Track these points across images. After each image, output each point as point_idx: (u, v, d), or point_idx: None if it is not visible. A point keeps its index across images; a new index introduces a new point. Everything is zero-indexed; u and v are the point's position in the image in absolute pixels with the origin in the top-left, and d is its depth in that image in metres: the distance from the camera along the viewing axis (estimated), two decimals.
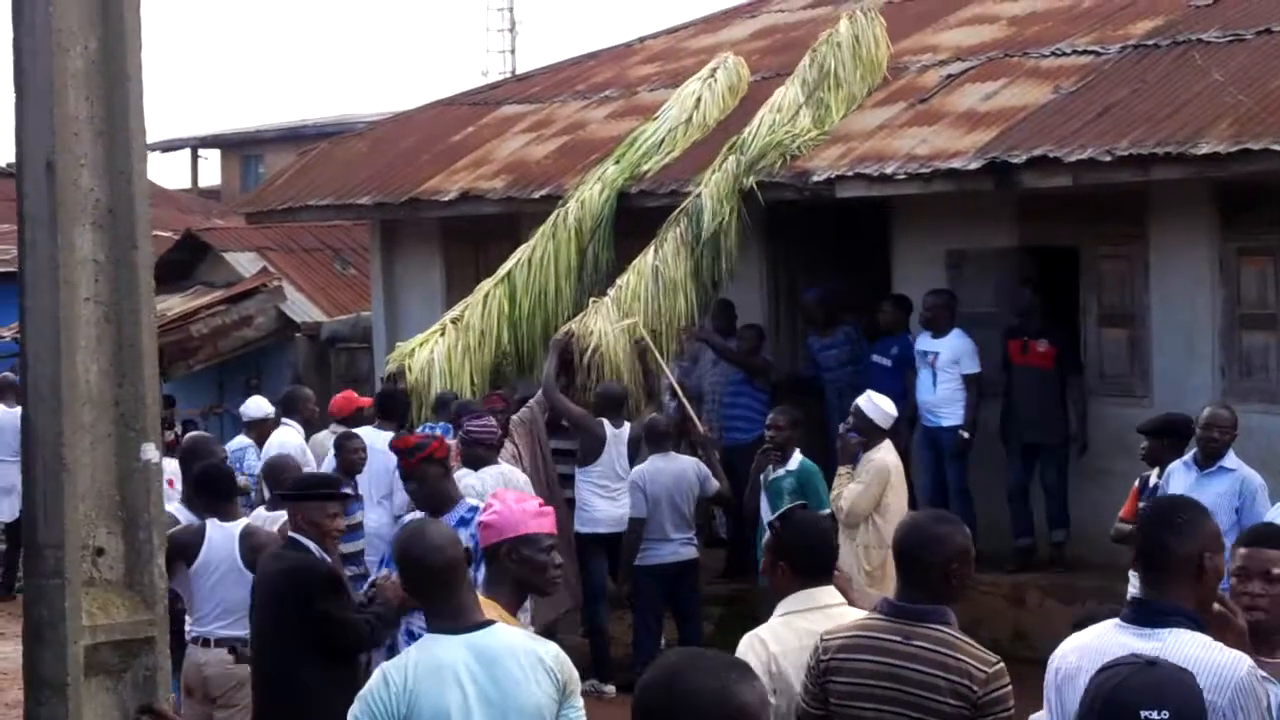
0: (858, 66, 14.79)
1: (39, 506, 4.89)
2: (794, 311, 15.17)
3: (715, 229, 13.65)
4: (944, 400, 13.15)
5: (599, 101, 17.46)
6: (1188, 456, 10.13)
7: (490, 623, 5.38)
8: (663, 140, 15.00)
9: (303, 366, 20.57)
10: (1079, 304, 13.37)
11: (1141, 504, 9.77)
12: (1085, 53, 14.01)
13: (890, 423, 11.06)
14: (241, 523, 9.17)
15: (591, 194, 14.50)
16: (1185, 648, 4.68)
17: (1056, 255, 13.54)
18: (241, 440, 13.89)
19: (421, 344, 13.76)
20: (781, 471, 11.02)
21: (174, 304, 21.24)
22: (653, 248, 13.66)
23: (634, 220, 14.31)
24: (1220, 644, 4.76)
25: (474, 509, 8.02)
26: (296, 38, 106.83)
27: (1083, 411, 13.03)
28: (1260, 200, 12.18)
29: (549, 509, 6.06)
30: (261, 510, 10.32)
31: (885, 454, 10.91)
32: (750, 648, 5.69)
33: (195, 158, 44.45)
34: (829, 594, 5.77)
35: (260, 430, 13.67)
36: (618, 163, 14.87)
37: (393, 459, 10.06)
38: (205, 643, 8.97)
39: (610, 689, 11.77)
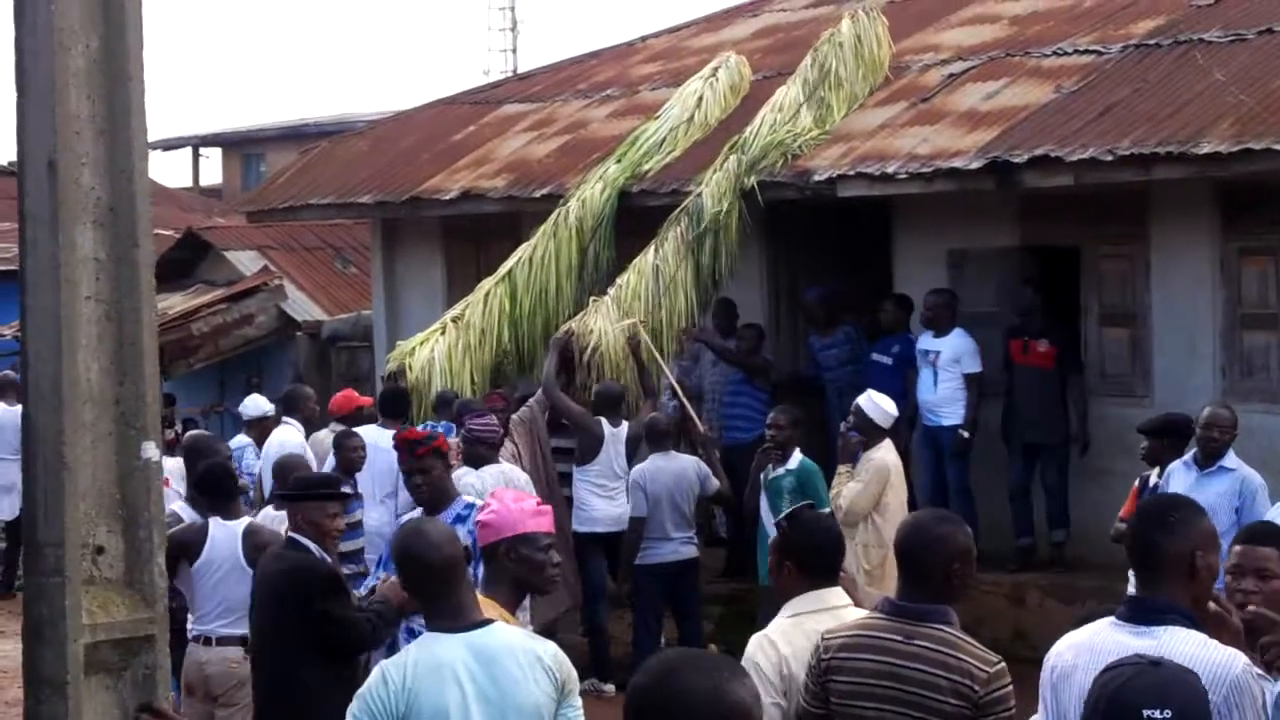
0: (859, 66, 14.80)
1: (39, 505, 4.88)
2: (794, 311, 15.18)
3: (716, 228, 13.66)
4: (945, 400, 13.15)
5: (600, 100, 17.46)
6: (1188, 456, 10.13)
7: (489, 622, 5.38)
8: (664, 139, 15.01)
9: (303, 365, 20.58)
10: (1080, 304, 13.37)
11: None
12: (1087, 52, 14.01)
13: (890, 422, 11.06)
14: (244, 521, 9.18)
15: (593, 193, 14.51)
16: (1180, 645, 4.69)
17: (1058, 255, 13.55)
18: (241, 439, 13.91)
19: (422, 343, 13.76)
20: (781, 471, 11.02)
21: (175, 302, 21.26)
22: (653, 247, 13.67)
23: (635, 219, 14.32)
24: (1215, 642, 4.77)
25: (470, 506, 8.04)
26: (298, 36, 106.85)
27: (1083, 411, 13.03)
28: (1261, 200, 12.19)
29: (547, 508, 6.06)
30: (269, 510, 10.33)
31: (885, 453, 10.91)
32: (760, 649, 5.68)
33: (196, 156, 44.48)
34: (837, 595, 5.77)
35: (260, 429, 13.68)
36: (619, 162, 14.88)
37: (394, 457, 10.06)
38: (207, 641, 8.98)
39: (610, 688, 11.78)
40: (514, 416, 12.26)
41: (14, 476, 11.75)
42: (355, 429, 12.41)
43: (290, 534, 8.06)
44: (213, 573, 8.98)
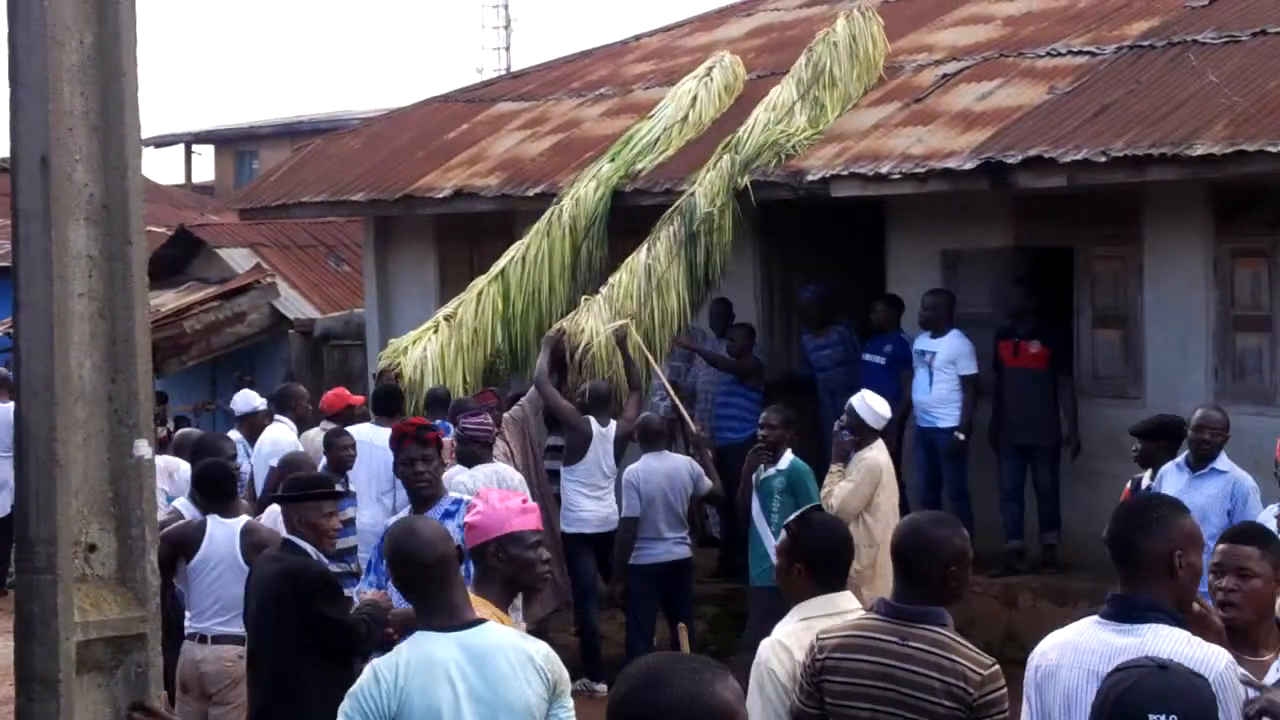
0: (854, 66, 14.79)
1: (31, 502, 4.87)
2: (788, 311, 15.18)
3: (709, 228, 13.65)
4: (940, 400, 13.14)
5: (594, 99, 17.45)
6: (1180, 458, 10.14)
7: (481, 621, 5.38)
8: (658, 139, 15.00)
9: (296, 363, 20.58)
10: (1073, 305, 13.37)
11: None
12: (1080, 53, 14.01)
13: (883, 423, 11.05)
14: (243, 520, 9.17)
15: (586, 192, 14.50)
16: (1164, 643, 4.71)
17: (1051, 256, 13.55)
18: (233, 435, 13.88)
19: (414, 341, 13.75)
20: (772, 471, 11.01)
21: (167, 300, 21.25)
22: (646, 246, 13.66)
23: (628, 218, 14.31)
24: (1199, 639, 4.79)
25: (458, 501, 8.05)
26: (292, 34, 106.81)
27: (1074, 413, 13.02)
28: (1255, 202, 12.19)
29: (533, 505, 6.06)
30: (274, 510, 10.31)
31: (877, 453, 10.91)
32: (774, 653, 5.67)
33: (189, 153, 44.45)
34: (847, 599, 5.77)
35: (251, 425, 13.65)
36: (612, 161, 14.87)
37: (390, 454, 10.04)
38: (202, 639, 8.98)
39: (602, 687, 11.77)
40: (506, 415, 12.25)
41: (6, 473, 11.74)
42: (347, 427, 12.39)
43: (286, 536, 8.05)
44: (209, 570, 8.98)
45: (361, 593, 7.97)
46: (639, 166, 14.75)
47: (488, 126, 17.67)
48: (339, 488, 9.15)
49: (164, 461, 11.42)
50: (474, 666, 5.24)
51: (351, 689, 5.30)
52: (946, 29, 15.97)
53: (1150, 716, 3.80)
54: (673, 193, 14.12)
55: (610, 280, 13.53)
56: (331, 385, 15.78)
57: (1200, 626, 5.01)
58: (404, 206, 16.88)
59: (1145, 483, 10.24)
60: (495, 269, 14.23)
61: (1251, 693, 5.05)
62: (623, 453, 12.49)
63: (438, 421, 12.24)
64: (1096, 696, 3.92)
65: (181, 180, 43.27)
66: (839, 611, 5.65)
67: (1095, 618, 4.95)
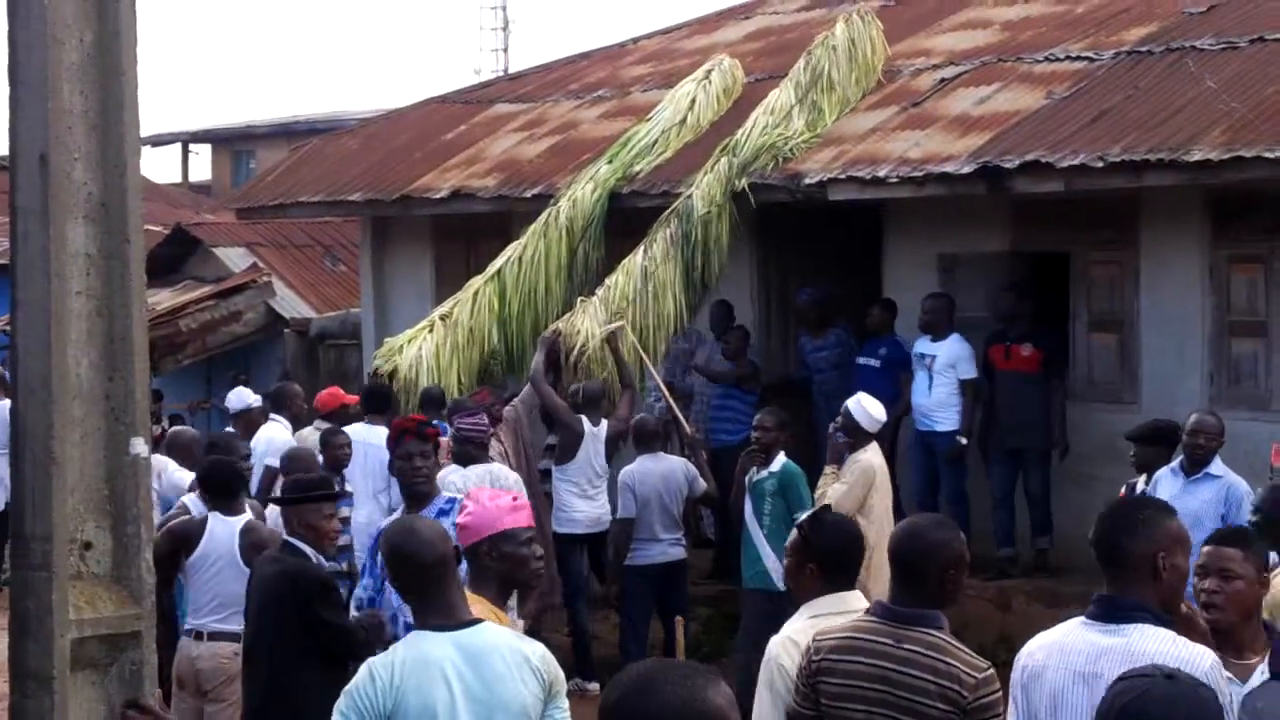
0: (852, 70, 14.80)
1: (27, 499, 4.88)
2: (784, 313, 15.18)
3: (706, 230, 13.66)
4: (939, 404, 13.12)
5: (592, 101, 17.45)
6: (1174, 463, 10.15)
7: (478, 621, 5.38)
8: (655, 141, 15.00)
9: (291, 362, 20.56)
10: (1069, 309, 13.38)
11: None
12: (1079, 58, 14.02)
13: (877, 427, 11.06)
14: (244, 518, 9.17)
15: (583, 193, 14.50)
16: (1149, 643, 4.73)
17: (1048, 260, 13.55)
18: (214, 432, 13.86)
19: (410, 340, 13.76)
20: (764, 474, 11.00)
21: (163, 298, 21.24)
22: (642, 248, 13.67)
23: (625, 220, 14.31)
24: (1185, 639, 4.81)
25: (451, 500, 8.04)
26: (289, 33, 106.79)
27: (1061, 416, 13.01)
28: (1252, 208, 12.20)
29: (525, 503, 6.07)
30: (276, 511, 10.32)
31: (871, 455, 10.92)
32: (783, 649, 5.69)
33: (186, 152, 44.43)
34: (856, 598, 5.79)
35: (246, 422, 13.63)
36: (610, 162, 14.87)
37: (386, 453, 10.02)
38: (199, 635, 8.98)
39: (594, 686, 11.78)
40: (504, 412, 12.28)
41: (3, 471, 11.72)
42: (343, 427, 12.40)
43: (286, 538, 8.04)
44: (208, 567, 8.99)
45: (358, 600, 7.95)
46: (636, 168, 14.75)
47: (485, 128, 17.67)
48: (336, 487, 9.16)
49: (153, 460, 11.40)
50: (470, 666, 5.25)
51: (347, 687, 5.30)
52: (945, 33, 15.97)
53: None
54: (670, 195, 14.12)
55: (606, 282, 13.54)
56: (327, 385, 15.78)
57: (1187, 628, 5.03)
58: (401, 207, 16.87)
59: (1140, 487, 10.26)
60: (492, 269, 14.23)
61: (1235, 691, 5.07)
62: (614, 452, 12.50)
63: (434, 423, 12.27)
64: (1101, 704, 3.85)
65: (178, 179, 43.26)
66: (849, 610, 5.67)
67: (1082, 619, 4.97)
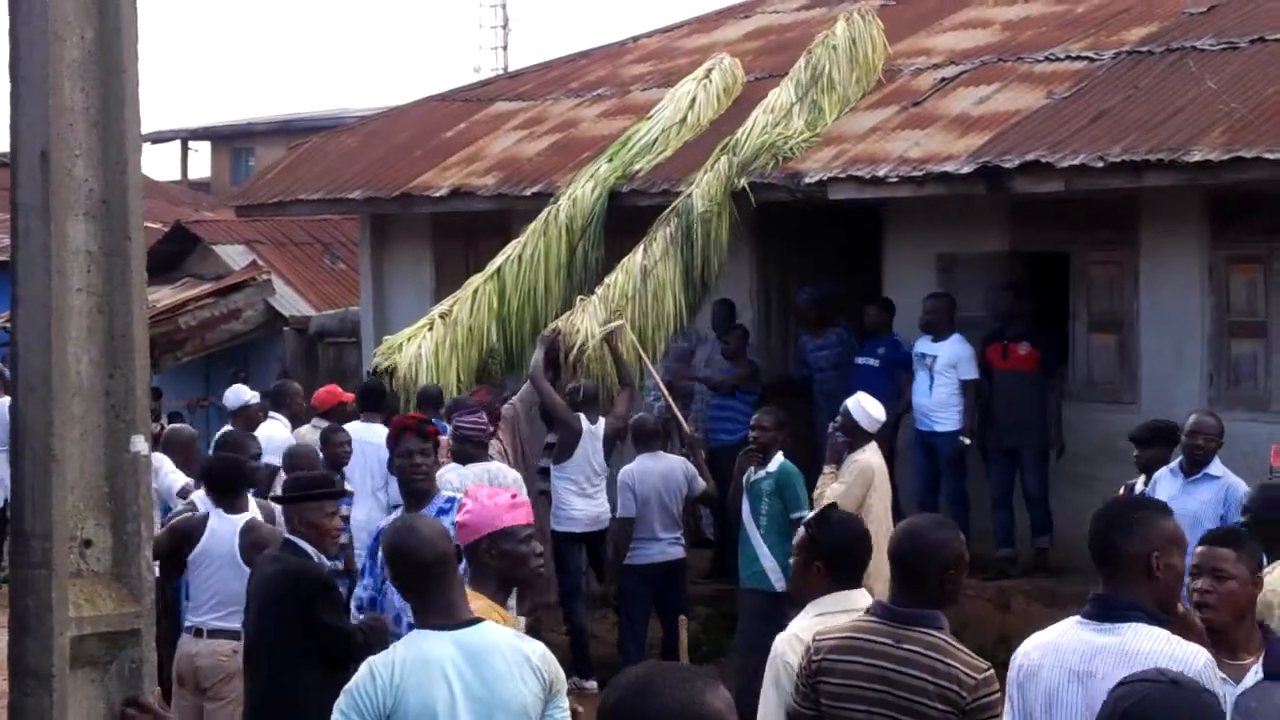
0: (853, 69, 14.79)
1: (27, 496, 4.88)
2: (784, 312, 15.18)
3: (706, 229, 13.65)
4: (940, 404, 13.11)
5: (591, 100, 17.45)
6: (1174, 464, 10.15)
7: (478, 620, 5.38)
8: (655, 139, 15.00)
9: (290, 360, 20.55)
10: (1069, 309, 13.38)
11: None
12: (1079, 58, 14.01)
13: (876, 427, 11.06)
14: (245, 517, 9.15)
15: (583, 192, 14.50)
16: (1143, 642, 4.74)
17: (1047, 260, 13.55)
18: (227, 430, 13.84)
19: (409, 339, 13.75)
20: (762, 473, 10.99)
21: (163, 295, 21.22)
22: (642, 247, 13.67)
23: (625, 219, 14.31)
24: (1179, 638, 4.81)
25: (451, 500, 8.03)
26: (289, 31, 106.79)
27: (1058, 415, 13.00)
28: (1251, 208, 12.20)
29: (524, 500, 6.08)
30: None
31: (870, 455, 10.92)
32: (789, 647, 5.70)
33: (185, 149, 44.41)
34: (863, 597, 5.79)
35: (245, 419, 13.59)
36: (610, 161, 14.87)
37: (385, 450, 10.02)
38: (198, 633, 8.98)
39: (592, 684, 11.78)
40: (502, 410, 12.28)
41: (2, 468, 11.71)
42: (343, 425, 12.39)
43: (287, 536, 8.02)
44: (208, 564, 8.99)
45: (358, 600, 7.94)
46: (636, 167, 14.75)
47: (485, 126, 17.67)
48: (343, 488, 9.15)
49: (157, 458, 11.40)
50: (470, 665, 5.24)
51: (347, 686, 5.30)
52: (945, 33, 15.97)
53: None
54: (670, 194, 14.12)
55: (606, 280, 13.54)
56: (326, 383, 15.78)
57: (1183, 628, 5.03)
58: (401, 205, 16.87)
59: (1139, 488, 10.26)
60: (491, 268, 14.23)
61: (1229, 691, 5.08)
62: (612, 450, 12.50)
63: (433, 420, 12.28)
64: (1102, 708, 3.82)
65: (177, 176, 43.24)
66: (855, 609, 5.68)
67: (1077, 618, 4.98)
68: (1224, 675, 5.09)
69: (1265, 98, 11.87)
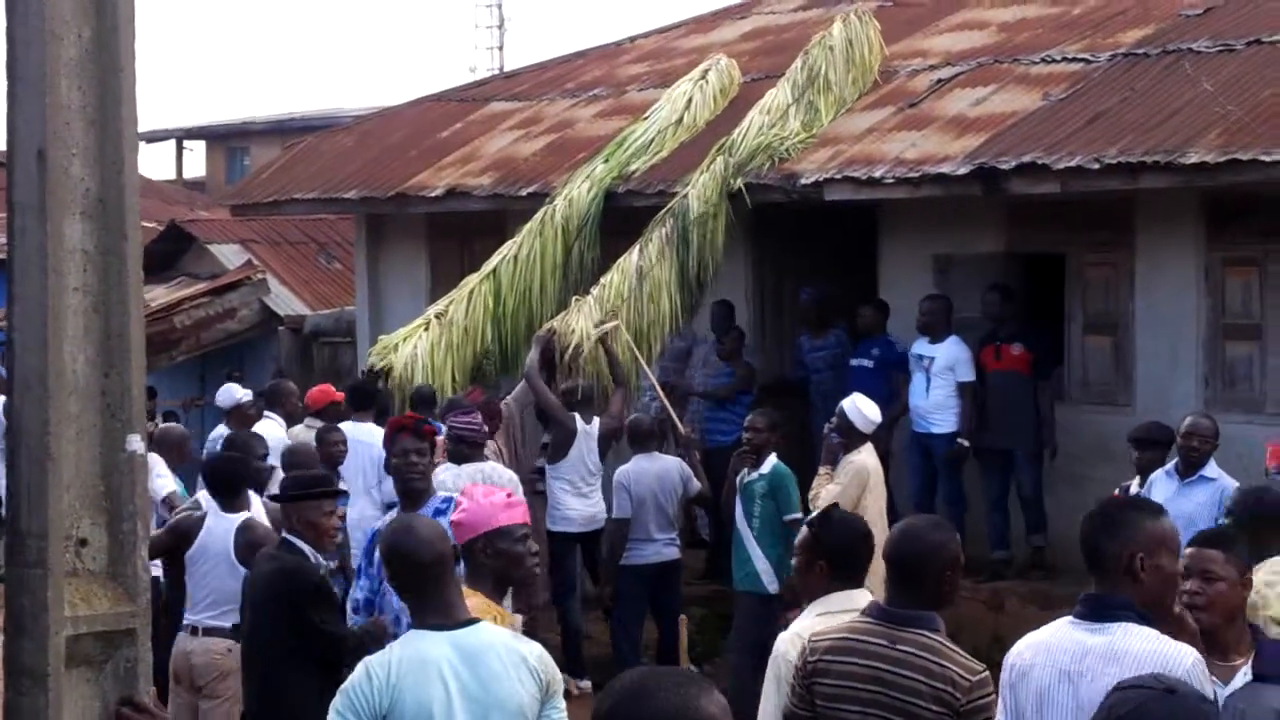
0: (849, 70, 14.80)
1: (23, 496, 4.87)
2: (780, 313, 15.18)
3: (702, 230, 13.65)
4: (936, 406, 13.10)
5: (587, 100, 17.45)
6: (1169, 466, 10.16)
7: (475, 621, 5.38)
8: (651, 140, 15.00)
9: (285, 360, 20.53)
10: (1064, 311, 13.38)
11: None
12: (1075, 60, 14.02)
13: (871, 428, 11.06)
14: (243, 515, 9.15)
15: (579, 192, 14.50)
16: (1133, 641, 4.77)
17: (1043, 261, 13.55)
18: (221, 430, 13.85)
19: (405, 339, 13.75)
20: (755, 475, 10.99)
21: (158, 295, 21.20)
22: (638, 247, 13.67)
23: (621, 219, 14.31)
24: (1167, 637, 4.83)
25: (448, 500, 8.03)
26: (284, 30, 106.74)
27: (1051, 416, 13.00)
28: (1247, 210, 12.21)
29: (519, 499, 6.08)
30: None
31: (865, 456, 10.92)
32: (791, 646, 5.71)
33: (180, 148, 44.42)
34: (865, 596, 5.81)
35: (239, 418, 13.59)
36: (606, 161, 14.87)
37: (378, 449, 10.01)
38: (194, 630, 8.99)
39: (586, 684, 11.78)
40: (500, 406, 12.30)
41: None
42: (338, 424, 12.39)
43: (284, 535, 8.01)
44: (204, 562, 9.01)
45: (355, 601, 7.92)
46: (632, 168, 14.75)
47: (481, 126, 17.66)
48: (341, 488, 9.14)
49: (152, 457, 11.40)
50: (466, 665, 5.24)
51: (343, 685, 5.30)
52: (942, 34, 15.97)
53: None
54: (666, 194, 14.12)
55: (601, 281, 13.54)
56: (321, 383, 15.77)
57: (1178, 629, 5.03)
58: (396, 205, 16.87)
59: (1133, 489, 10.27)
60: (487, 268, 14.23)
61: (1219, 693, 5.09)
62: (607, 450, 12.50)
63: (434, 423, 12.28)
64: (1097, 713, 3.80)
65: (172, 176, 43.24)
66: (857, 608, 5.68)
67: (1069, 618, 5.01)
68: (1214, 677, 5.10)
69: (1261, 100, 11.88)
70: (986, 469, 13.16)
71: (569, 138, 16.42)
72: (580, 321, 13.00)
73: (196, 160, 44.91)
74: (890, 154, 13.33)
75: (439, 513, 7.81)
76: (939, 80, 14.61)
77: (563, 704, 5.42)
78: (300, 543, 7.88)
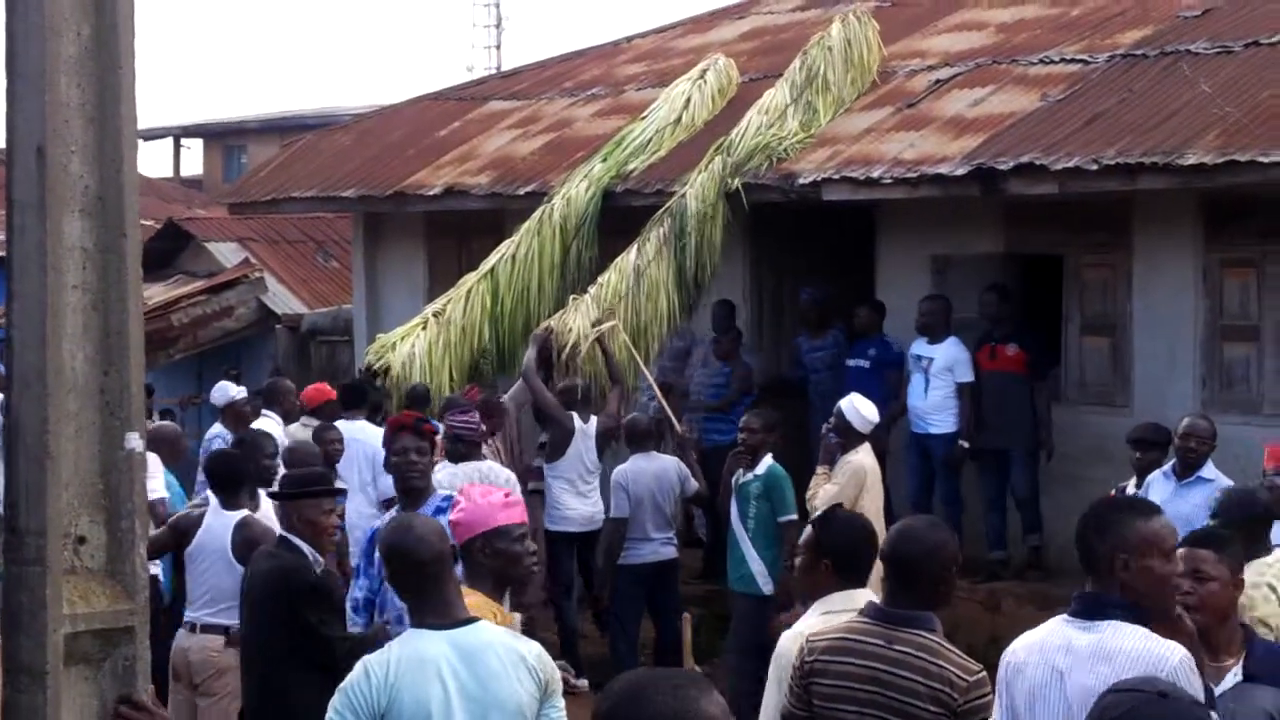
0: (847, 70, 14.80)
1: (21, 493, 4.86)
2: (777, 313, 15.19)
3: (699, 229, 13.66)
4: (935, 407, 13.10)
5: (586, 99, 17.46)
6: (1167, 467, 10.17)
7: (474, 620, 5.38)
8: (650, 140, 15.01)
9: (283, 358, 20.54)
10: (1062, 312, 13.39)
11: None
12: (1073, 61, 14.03)
13: (869, 428, 11.06)
14: (242, 513, 9.14)
15: (577, 191, 14.50)
16: (1122, 639, 4.79)
17: (1041, 262, 13.56)
18: (217, 428, 13.85)
19: (402, 337, 13.75)
20: (750, 476, 10.98)
21: (155, 293, 21.20)
22: (635, 247, 13.67)
23: (619, 219, 14.31)
24: (1156, 635, 4.84)
25: (448, 498, 8.02)
26: (282, 29, 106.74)
27: (1047, 417, 13.00)
28: (1245, 212, 12.21)
29: (517, 499, 6.08)
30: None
31: (862, 456, 10.92)
32: (795, 645, 5.70)
33: (178, 147, 44.41)
34: (866, 597, 5.80)
35: (234, 416, 13.57)
36: (604, 161, 14.87)
37: (372, 446, 10.00)
38: (192, 627, 8.99)
39: (582, 683, 11.77)
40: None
41: None
42: (335, 423, 12.40)
43: (283, 534, 8.00)
44: (202, 560, 9.01)
45: (354, 601, 7.91)
46: (630, 167, 14.76)
47: (479, 125, 17.67)
48: (341, 486, 9.14)
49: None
50: (465, 664, 5.24)
51: (342, 684, 5.30)
52: (940, 35, 15.98)
53: None
54: (664, 194, 14.13)
55: (599, 280, 13.54)
56: (318, 381, 15.77)
57: (1174, 630, 5.04)
58: (394, 203, 16.87)
59: (1130, 490, 10.27)
60: (484, 267, 14.23)
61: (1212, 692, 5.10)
62: (605, 449, 12.50)
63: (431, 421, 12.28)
64: (1089, 715, 3.78)
65: (170, 174, 43.23)
66: (859, 608, 5.68)
67: (1064, 615, 5.02)
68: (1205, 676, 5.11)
69: (1259, 101, 11.88)
70: (983, 469, 13.17)
71: (567, 137, 16.42)
72: (578, 321, 13.01)
73: (194, 158, 44.93)
74: (888, 154, 13.34)
75: (439, 511, 7.80)
76: (937, 81, 14.61)
77: (561, 703, 5.42)
78: (299, 541, 7.87)
